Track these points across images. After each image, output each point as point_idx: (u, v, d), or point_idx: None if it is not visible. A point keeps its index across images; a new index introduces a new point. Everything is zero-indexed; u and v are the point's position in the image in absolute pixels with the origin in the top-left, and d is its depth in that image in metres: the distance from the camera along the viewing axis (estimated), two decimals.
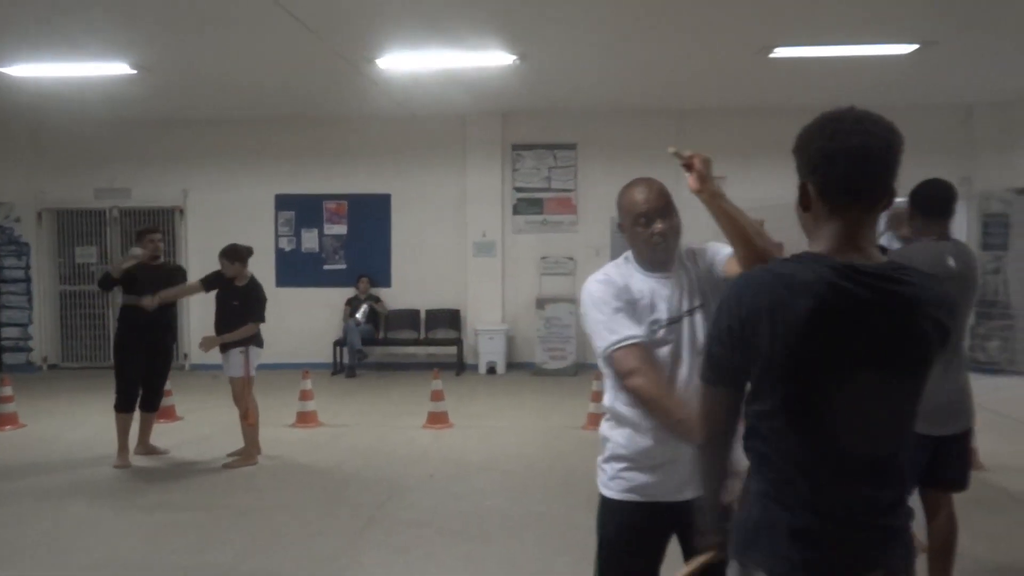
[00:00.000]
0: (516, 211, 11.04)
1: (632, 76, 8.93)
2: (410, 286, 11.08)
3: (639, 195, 2.53)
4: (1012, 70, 8.54)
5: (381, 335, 10.89)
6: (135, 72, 8.13)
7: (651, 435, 2.41)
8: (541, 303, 10.50)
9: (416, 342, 10.90)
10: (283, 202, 11.24)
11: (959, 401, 3.45)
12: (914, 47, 7.41)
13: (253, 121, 11.02)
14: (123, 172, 11.33)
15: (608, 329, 2.42)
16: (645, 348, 2.39)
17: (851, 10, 6.53)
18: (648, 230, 2.46)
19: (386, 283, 11.16)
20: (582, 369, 10.52)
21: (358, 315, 10.55)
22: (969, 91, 9.75)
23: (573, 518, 5.06)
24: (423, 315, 11.03)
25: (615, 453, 2.51)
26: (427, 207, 11.07)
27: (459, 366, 10.35)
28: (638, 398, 2.37)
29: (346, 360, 10.55)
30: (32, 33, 6.93)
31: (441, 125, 10.94)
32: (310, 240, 11.27)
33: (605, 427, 2.60)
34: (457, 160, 11.00)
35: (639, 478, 2.46)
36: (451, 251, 11.01)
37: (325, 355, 10.86)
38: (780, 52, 7.57)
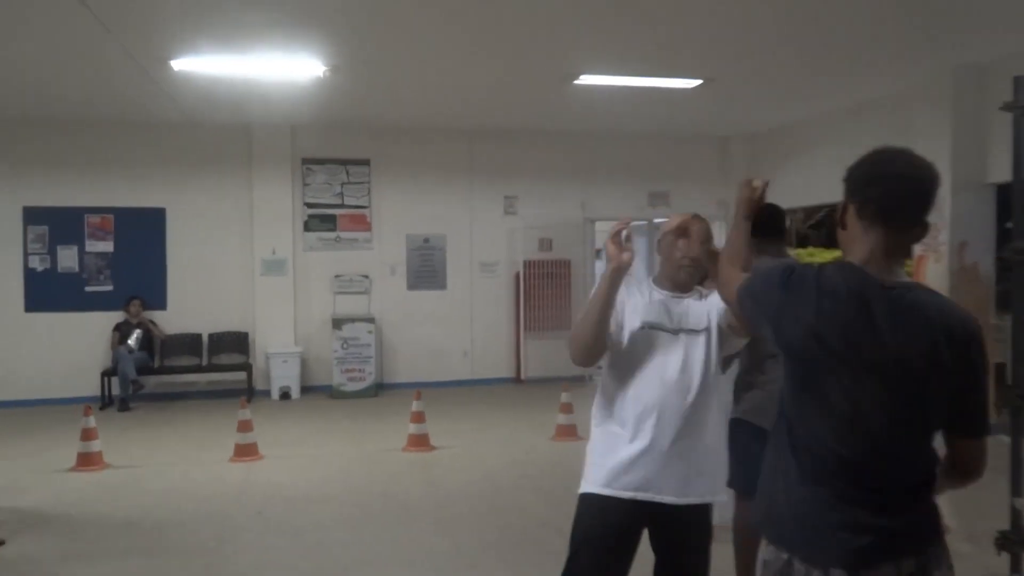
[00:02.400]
0: (308, 228, 10.58)
1: (434, 96, 8.94)
2: (190, 308, 10.18)
3: (680, 216, 2.77)
4: (762, 107, 9.67)
5: (157, 363, 9.89)
6: None
7: (633, 430, 2.58)
8: (337, 323, 10.14)
9: (199, 369, 10.03)
10: (33, 216, 9.86)
11: None
12: (698, 82, 8.12)
13: None
14: None
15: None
16: None
17: (646, 45, 7.03)
18: (675, 244, 2.70)
19: (161, 305, 10.16)
20: (382, 389, 10.30)
21: (130, 341, 9.51)
22: (724, 125, 10.89)
23: (428, 542, 4.94)
24: (206, 339, 10.18)
25: (596, 451, 2.66)
26: (209, 223, 10.26)
27: (249, 392, 9.67)
28: (576, 338, 2.60)
29: (117, 392, 9.45)
30: None
31: (225, 136, 10.23)
32: (68, 259, 9.98)
33: (592, 430, 2.74)
34: (243, 173, 10.33)
35: (617, 473, 2.58)
36: (237, 270, 10.30)
37: (90, 387, 9.64)
38: (584, 80, 7.95)
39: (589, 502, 2.60)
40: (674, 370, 2.57)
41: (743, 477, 3.50)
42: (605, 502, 2.56)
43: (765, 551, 1.92)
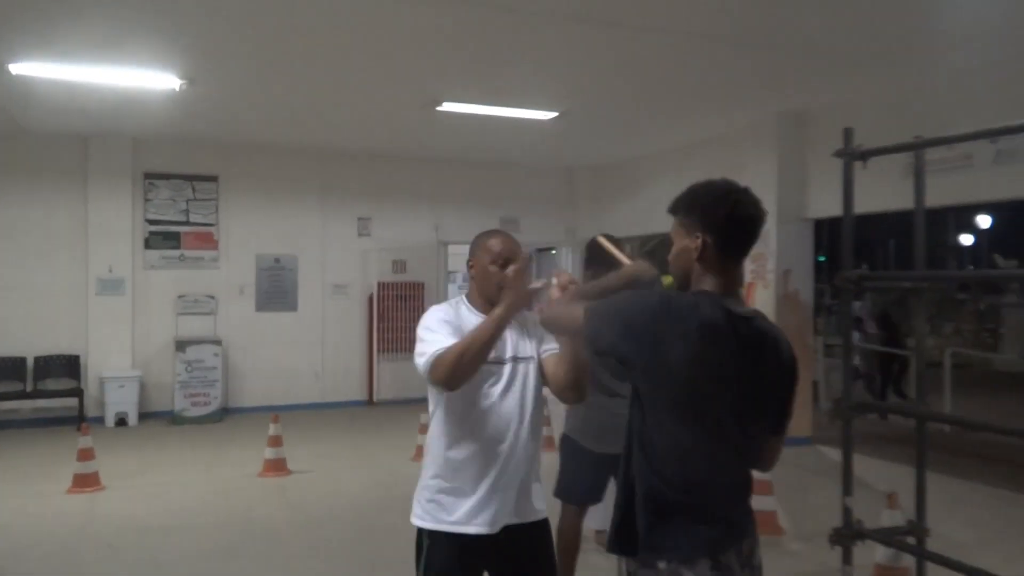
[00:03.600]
0: (148, 245, 10.07)
1: (290, 114, 8.82)
2: (12, 330, 9.39)
3: (496, 239, 2.68)
4: (607, 142, 10.27)
5: None
6: None
7: (472, 466, 2.57)
8: (181, 345, 9.69)
9: (22, 395, 9.25)
10: None
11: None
12: (554, 114, 8.53)
13: None
14: None
15: (431, 343, 2.52)
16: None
17: (507, 77, 7.33)
18: (502, 272, 2.61)
19: None
20: (228, 414, 9.94)
21: None
22: (572, 156, 11.45)
23: (303, 567, 4.88)
24: (31, 363, 9.42)
25: (429, 484, 2.63)
26: (35, 238, 9.54)
27: (80, 419, 9.03)
28: (455, 365, 2.41)
29: None
30: None
31: (59, 146, 9.59)
32: None
33: (426, 460, 2.69)
34: (77, 186, 9.70)
35: (459, 510, 2.58)
36: (67, 289, 9.63)
37: None
38: (447, 106, 8.14)
39: (436, 539, 2.60)
40: (511, 402, 2.58)
41: (566, 486, 4.03)
42: (455, 539, 2.57)
43: (628, 564, 2.07)
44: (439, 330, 2.57)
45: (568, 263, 12.05)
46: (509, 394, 2.60)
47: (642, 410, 2.02)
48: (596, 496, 4.13)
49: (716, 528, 1.99)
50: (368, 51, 6.54)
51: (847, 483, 3.98)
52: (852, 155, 4.10)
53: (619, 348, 2.01)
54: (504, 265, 2.62)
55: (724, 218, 2.02)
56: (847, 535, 3.93)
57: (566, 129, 9.27)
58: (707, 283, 2.04)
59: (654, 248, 11.35)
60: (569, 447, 4.09)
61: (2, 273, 9.42)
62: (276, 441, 7.11)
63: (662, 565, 1.96)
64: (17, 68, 6.80)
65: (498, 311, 2.47)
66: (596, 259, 4.16)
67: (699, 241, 2.02)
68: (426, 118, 8.64)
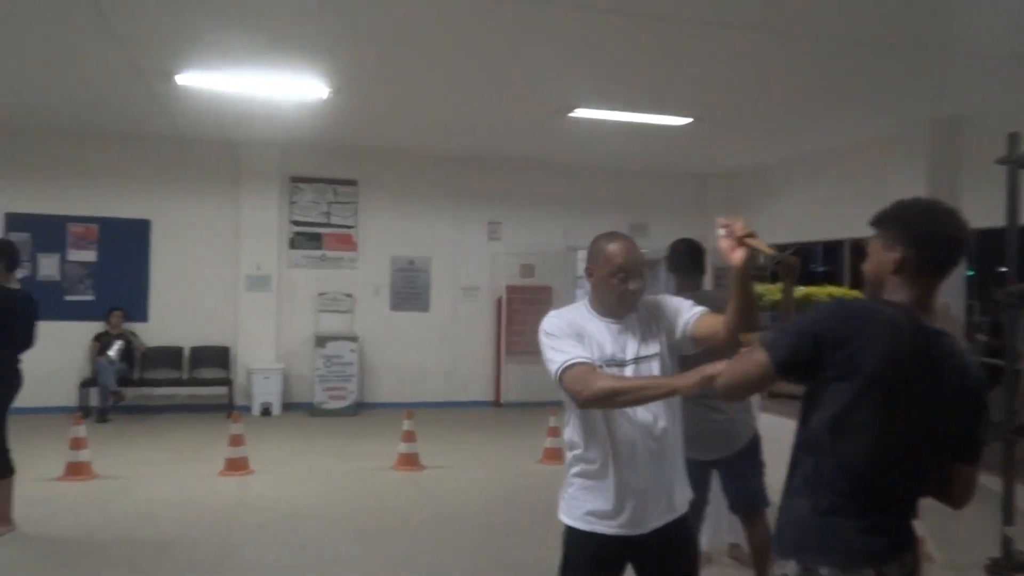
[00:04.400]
0: (293, 245, 10.62)
1: (427, 122, 9.11)
2: (172, 321, 10.13)
3: (618, 248, 2.59)
4: (742, 147, 10.03)
5: (137, 375, 9.80)
6: None
7: (607, 469, 2.56)
8: (321, 340, 10.17)
9: (180, 382, 9.96)
10: (16, 222, 9.74)
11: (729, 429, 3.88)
12: (688, 120, 8.42)
13: None
14: None
15: (557, 351, 2.51)
16: (593, 367, 2.48)
17: (640, 82, 7.29)
18: (624, 285, 2.57)
19: (143, 317, 10.09)
20: (363, 408, 10.33)
21: (111, 352, 9.41)
22: (704, 163, 11.25)
23: (435, 559, 5.02)
24: (187, 352, 10.12)
25: (574, 484, 2.64)
26: (194, 236, 10.25)
27: (229, 408, 9.62)
28: (601, 399, 2.40)
29: (95, 403, 9.34)
30: None
31: (215, 151, 10.26)
32: (49, 267, 9.88)
33: (568, 458, 2.70)
34: (230, 189, 10.35)
35: (597, 510, 2.60)
36: (221, 284, 10.28)
37: (68, 398, 9.54)
38: (579, 112, 8.19)
39: (577, 538, 2.63)
40: (644, 405, 2.51)
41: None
42: (586, 538, 2.60)
43: (784, 567, 2.05)
44: (562, 336, 2.57)
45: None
46: None
47: (817, 415, 2.03)
48: (696, 508, 3.99)
49: (880, 539, 1.99)
50: (503, 60, 6.67)
51: (1008, 512, 3.76)
52: (1019, 162, 3.87)
53: (811, 356, 2.01)
54: (625, 280, 2.55)
55: (926, 234, 2.02)
56: (1007, 566, 3.71)
57: (700, 135, 9.13)
58: (899, 295, 2.04)
59: (784, 260, 10.97)
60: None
61: (164, 270, 10.16)
62: (410, 436, 7.34)
63: (824, 572, 1.96)
64: (183, 79, 7.33)
65: (676, 383, 2.36)
66: (679, 264, 4.07)
67: (899, 255, 2.02)
68: (557, 124, 8.72)
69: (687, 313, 2.59)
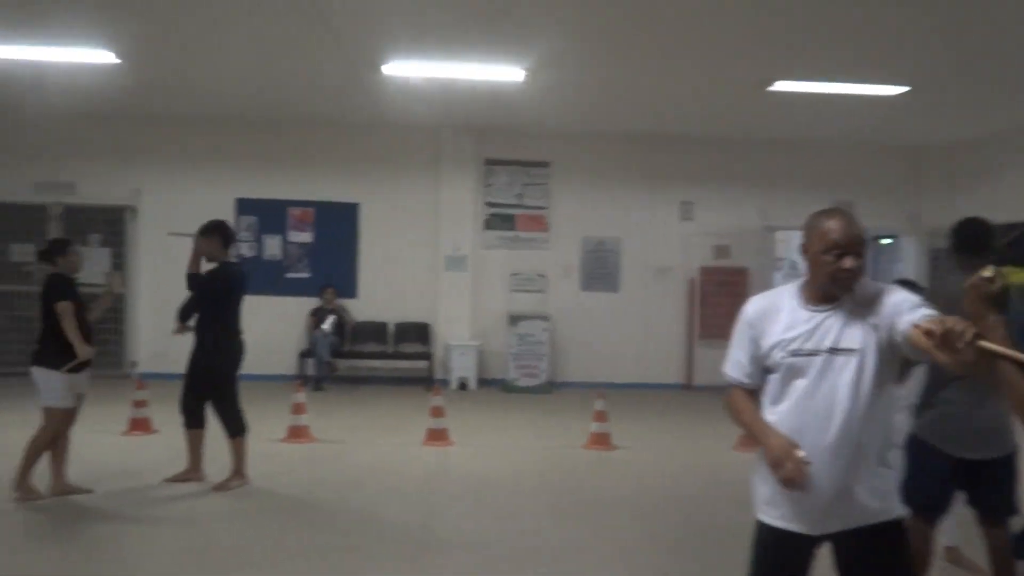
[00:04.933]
0: (488, 226, 10.94)
1: (620, 102, 9.04)
2: (377, 298, 10.78)
3: (835, 224, 2.42)
4: (963, 117, 9.11)
5: (347, 347, 10.53)
6: (119, 62, 7.59)
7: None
8: (514, 319, 10.43)
9: (385, 355, 10.59)
10: (245, 206, 10.74)
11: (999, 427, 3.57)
12: (904, 89, 7.78)
13: (214, 120, 10.53)
14: (68, 166, 10.57)
15: (730, 355, 2.65)
16: (743, 391, 2.62)
17: (848, 50, 6.80)
18: (838, 263, 2.40)
19: (352, 294, 10.82)
20: (555, 387, 10.50)
21: (325, 326, 10.17)
22: (919, 134, 10.34)
23: (629, 535, 5.02)
24: (392, 328, 10.74)
25: (761, 473, 2.56)
26: (397, 218, 10.82)
27: (429, 381, 10.11)
28: (736, 419, 2.66)
29: (312, 372, 10.15)
30: (10, 11, 6.35)
31: (415, 136, 10.75)
32: (273, 247, 10.81)
33: (759, 452, 2.60)
34: (430, 172, 10.81)
35: (774, 503, 2.52)
36: (421, 264, 10.80)
37: (286, 366, 10.42)
38: (780, 86, 7.80)
39: (760, 527, 2.55)
40: (822, 398, 2.39)
41: (913, 492, 3.39)
42: (772, 532, 2.51)
43: None
44: (741, 337, 2.60)
45: (910, 254, 10.97)
46: (819, 391, 2.41)
47: None
48: (943, 506, 3.71)
49: None
50: (700, 35, 6.48)
51: None
52: None
53: None
54: (840, 255, 2.38)
55: None
56: None
57: (915, 105, 8.42)
58: None
59: (1018, 238, 9.94)
60: (917, 449, 3.67)
61: (373, 249, 10.82)
62: (602, 416, 7.37)
63: None
64: (388, 68, 7.72)
65: (766, 441, 2.45)
66: (968, 245, 3.72)
67: None
68: (756, 98, 8.36)
69: (909, 313, 2.29)
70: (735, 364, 2.62)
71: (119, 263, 10.55)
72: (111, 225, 10.70)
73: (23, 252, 10.48)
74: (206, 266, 5.94)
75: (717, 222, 10.92)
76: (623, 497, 5.91)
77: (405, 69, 7.76)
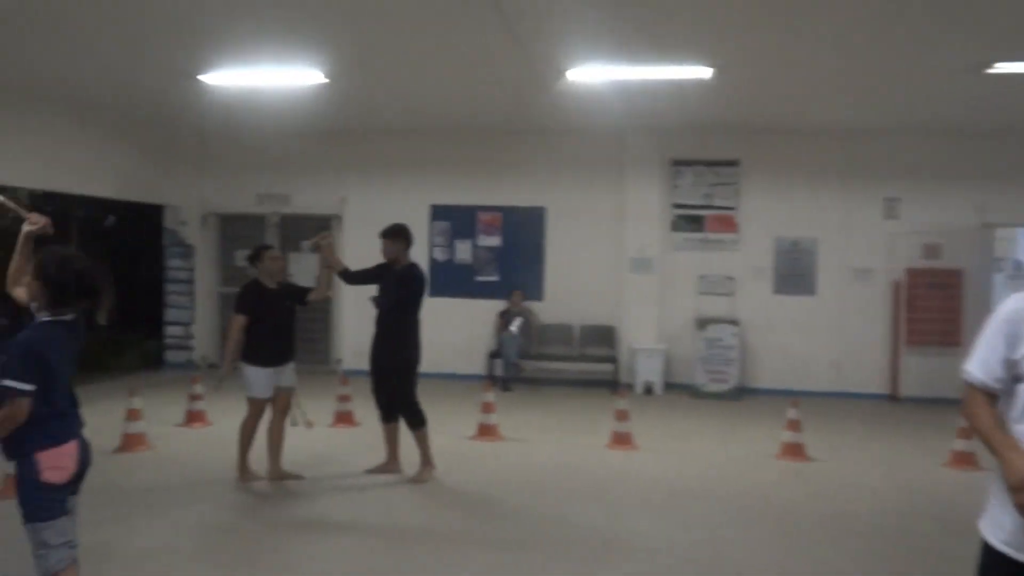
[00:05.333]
0: (675, 228, 10.76)
1: (812, 94, 8.57)
2: (563, 301, 10.91)
3: None
4: None
5: (534, 349, 10.73)
6: (327, 81, 8.19)
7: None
8: (702, 323, 10.19)
9: (570, 358, 10.70)
10: (438, 212, 11.25)
11: None
12: None
13: (411, 132, 11.07)
14: (283, 179, 11.55)
15: (975, 351, 2.37)
16: (982, 395, 2.33)
17: None
18: None
19: (538, 296, 11.02)
20: (744, 393, 10.14)
21: (513, 328, 10.43)
22: None
23: (819, 555, 4.76)
24: (577, 331, 10.83)
25: (993, 492, 2.32)
26: (583, 222, 10.90)
27: (614, 385, 10.09)
28: (971, 422, 2.37)
29: (500, 372, 10.44)
30: (233, 40, 7.02)
31: (600, 140, 10.77)
32: (464, 251, 11.24)
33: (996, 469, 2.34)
34: (615, 175, 10.80)
35: (1002, 528, 2.25)
36: (607, 267, 10.81)
37: (475, 366, 10.79)
38: (1000, 68, 7.08)
39: (988, 554, 2.30)
40: None
41: None
42: (994, 558, 2.26)
43: None
44: (992, 333, 2.33)
45: None
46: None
47: None
48: None
49: None
50: (907, 14, 5.99)
51: None
52: None
53: None
54: None
55: None
56: None
57: None
58: None
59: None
60: None
61: (559, 252, 10.97)
62: (795, 425, 7.03)
63: None
64: (572, 74, 7.79)
65: (1004, 456, 2.18)
66: None
67: None
68: (972, 83, 7.63)
69: None
70: (981, 364, 2.34)
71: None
72: (320, 232, 11.54)
73: (243, 257, 11.55)
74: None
75: (926, 220, 10.08)
76: (817, 512, 5.61)
77: (589, 74, 7.80)
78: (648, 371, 10.27)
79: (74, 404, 3.16)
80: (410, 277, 6.13)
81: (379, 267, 6.24)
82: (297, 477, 6.08)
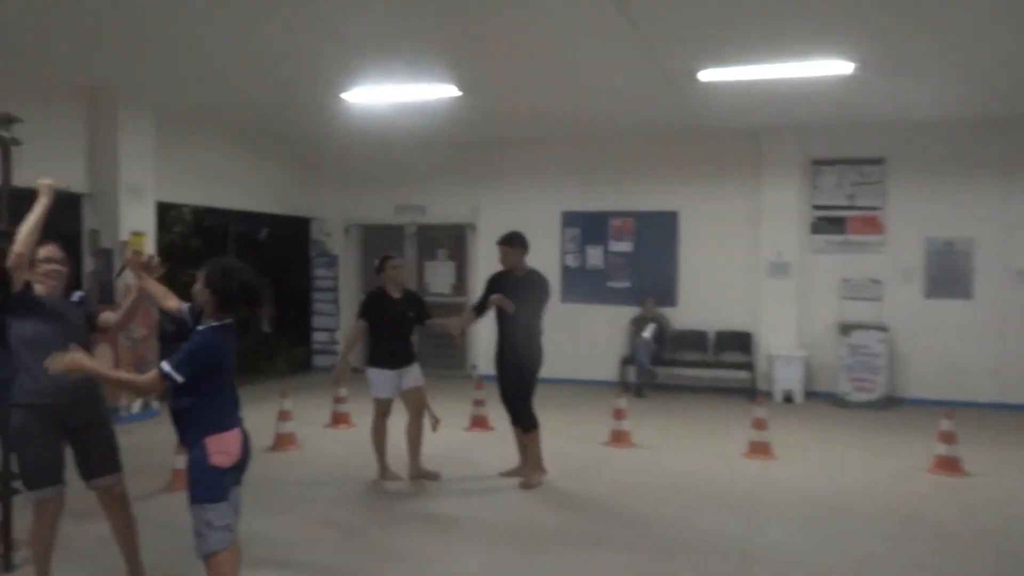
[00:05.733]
0: (815, 230, 10.34)
1: (968, 84, 8.03)
2: (697, 306, 10.71)
3: None
4: None
5: (667, 355, 10.59)
6: (460, 94, 8.43)
7: None
8: (845, 329, 9.74)
9: (704, 364, 10.49)
10: (570, 219, 11.31)
11: None
12: None
13: (541, 139, 11.19)
14: (419, 190, 11.93)
15: None
16: None
17: None
18: None
19: (671, 302, 10.86)
20: (893, 403, 9.61)
21: (646, 334, 10.34)
22: None
23: (977, 573, 4.46)
24: (711, 336, 10.61)
25: None
26: (717, 225, 10.66)
27: (751, 392, 9.80)
28: None
29: (633, 379, 10.37)
30: (373, 59, 7.35)
31: (734, 140, 10.52)
32: (595, 257, 11.24)
33: None
34: (750, 176, 10.51)
35: None
36: (742, 271, 10.52)
37: (609, 372, 10.77)
38: None
39: None
40: None
41: None
42: None
43: None
44: None
45: None
46: None
47: None
48: None
49: None
50: None
51: None
52: None
53: None
54: None
55: None
56: None
57: None
58: None
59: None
60: None
61: (691, 257, 10.79)
62: (949, 438, 6.61)
63: None
64: (705, 75, 7.65)
65: None
66: None
67: None
68: None
69: None
70: None
71: (461, 275, 11.73)
72: (454, 241, 11.90)
73: None
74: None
75: None
76: (972, 530, 5.25)
77: (722, 74, 7.64)
78: (787, 379, 9.91)
79: (236, 401, 3.44)
80: (529, 283, 6.19)
81: (493, 278, 6.30)
82: (434, 476, 6.30)
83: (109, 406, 4.28)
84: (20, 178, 4.40)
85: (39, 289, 3.97)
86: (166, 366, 3.20)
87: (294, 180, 11.83)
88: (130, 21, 6.25)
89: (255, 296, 3.35)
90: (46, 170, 4.28)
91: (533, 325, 6.18)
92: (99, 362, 3.49)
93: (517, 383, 6.21)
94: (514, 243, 6.27)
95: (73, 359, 3.20)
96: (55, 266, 3.99)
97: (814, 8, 5.91)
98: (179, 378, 3.19)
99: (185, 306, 3.62)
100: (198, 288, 3.38)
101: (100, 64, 7.63)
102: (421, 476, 6.27)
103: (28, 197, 4.04)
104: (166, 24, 6.31)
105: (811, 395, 9.97)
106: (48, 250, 4.01)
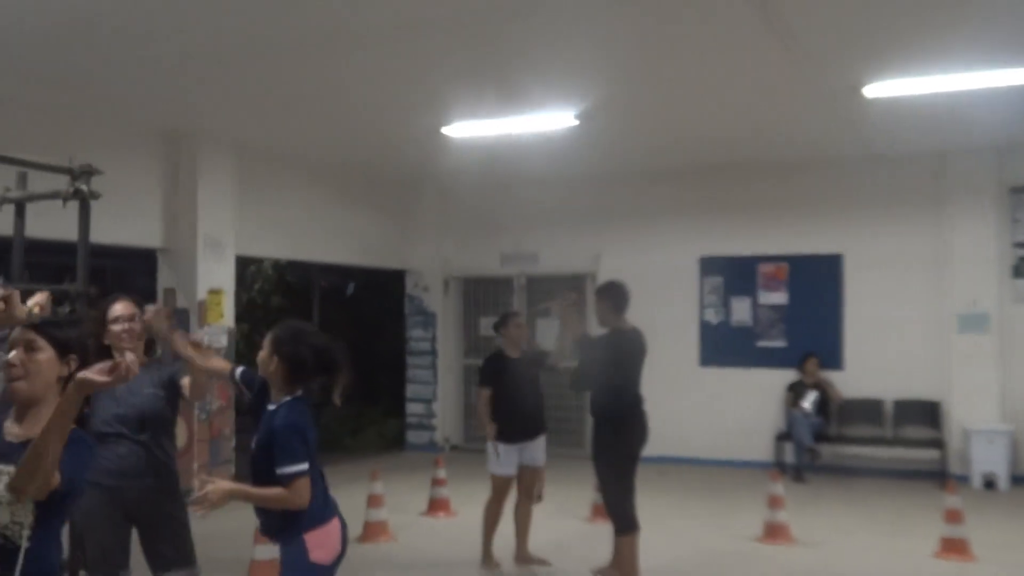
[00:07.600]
0: (1017, 274, 9.92)
1: None
2: (869, 369, 10.39)
3: None
4: None
5: (833, 430, 10.29)
6: (577, 123, 8.61)
7: None
8: None
9: (881, 441, 10.14)
10: (709, 266, 11.27)
11: None
12: None
13: (673, 173, 11.23)
14: (530, 236, 12.15)
15: None
16: None
17: None
18: None
19: (836, 365, 10.59)
20: None
21: (806, 404, 10.10)
22: None
23: None
24: (889, 407, 10.25)
25: None
26: (891, 269, 10.38)
27: (942, 476, 9.37)
28: None
29: (790, 459, 10.11)
30: (481, 85, 7.63)
31: (910, 167, 10.27)
32: (741, 311, 11.13)
33: None
34: (932, 209, 10.24)
35: None
36: (925, 325, 10.20)
37: (761, 451, 10.55)
38: None
39: None
40: None
41: None
42: None
43: None
44: None
45: None
46: None
47: None
48: None
49: None
50: None
51: None
52: None
53: None
54: None
55: None
56: None
57: None
58: None
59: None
60: None
61: (860, 308, 10.53)
62: None
63: None
64: (871, 90, 7.56)
65: None
66: None
67: None
68: None
69: None
70: None
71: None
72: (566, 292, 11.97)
73: (487, 325, 12.24)
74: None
75: None
76: None
77: (892, 88, 7.53)
78: (988, 459, 9.46)
79: (326, 486, 3.53)
80: (611, 345, 5.83)
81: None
82: (543, 563, 6.40)
83: (185, 491, 4.49)
84: (96, 233, 4.77)
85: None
86: (291, 468, 3.23)
87: (386, 228, 12.27)
88: (210, 55, 6.76)
89: (330, 363, 3.41)
90: (122, 224, 4.64)
91: (617, 398, 5.77)
92: (242, 486, 3.50)
93: (601, 471, 5.89)
94: (598, 295, 6.22)
95: (218, 491, 3.23)
96: (129, 324, 4.07)
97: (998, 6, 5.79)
98: (304, 466, 3.25)
99: (239, 369, 3.78)
100: (264, 356, 3.43)
101: (179, 104, 8.23)
102: (529, 561, 6.39)
103: (105, 254, 4.36)
104: (248, 58, 6.78)
105: (1018, 480, 9.48)
106: (121, 307, 4.12)
